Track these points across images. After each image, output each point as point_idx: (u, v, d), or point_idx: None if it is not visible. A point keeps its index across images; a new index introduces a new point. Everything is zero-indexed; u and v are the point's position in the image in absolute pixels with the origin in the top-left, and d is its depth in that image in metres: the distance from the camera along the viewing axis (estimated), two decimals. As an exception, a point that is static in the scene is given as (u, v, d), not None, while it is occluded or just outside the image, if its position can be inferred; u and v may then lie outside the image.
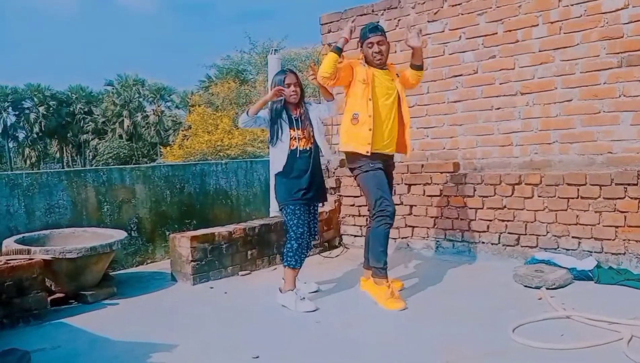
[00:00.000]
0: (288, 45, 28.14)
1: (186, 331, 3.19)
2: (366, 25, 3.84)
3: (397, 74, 3.80)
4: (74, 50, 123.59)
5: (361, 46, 3.74)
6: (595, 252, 4.10)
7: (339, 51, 3.56)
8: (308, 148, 3.73)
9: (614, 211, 4.01)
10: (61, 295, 3.87)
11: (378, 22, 5.13)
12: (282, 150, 3.69)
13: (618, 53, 4.03)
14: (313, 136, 3.74)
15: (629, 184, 3.94)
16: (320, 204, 4.06)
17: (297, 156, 3.67)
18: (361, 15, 5.36)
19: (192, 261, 4.26)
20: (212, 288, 4.19)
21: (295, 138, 3.69)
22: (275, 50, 5.53)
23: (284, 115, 3.71)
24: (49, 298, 3.66)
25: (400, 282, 3.89)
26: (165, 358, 2.78)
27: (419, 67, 3.79)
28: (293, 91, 3.67)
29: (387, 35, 5.13)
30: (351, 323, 3.23)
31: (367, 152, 3.59)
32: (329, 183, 5.57)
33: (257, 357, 2.74)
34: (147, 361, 2.75)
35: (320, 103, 4.00)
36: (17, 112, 54.68)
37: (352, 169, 3.78)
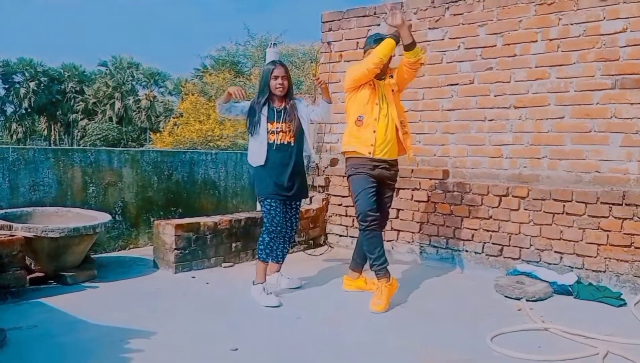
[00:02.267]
0: (286, 40, 28.10)
1: (165, 318, 3.18)
2: (372, 35, 3.86)
3: (390, 75, 3.80)
4: (69, 29, 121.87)
5: (364, 53, 3.76)
6: (576, 268, 4.16)
7: (397, 40, 3.49)
8: (286, 142, 3.67)
9: (598, 229, 4.06)
10: (41, 274, 3.83)
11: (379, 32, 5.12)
12: (260, 143, 3.66)
13: (612, 75, 4.08)
14: (296, 132, 3.70)
15: (613, 204, 3.99)
16: (307, 201, 4.10)
17: (275, 149, 3.64)
18: (363, 16, 5.37)
19: (175, 249, 4.23)
20: (194, 277, 4.17)
21: (273, 132, 3.65)
22: (274, 43, 5.51)
23: (265, 108, 3.68)
24: (28, 277, 3.62)
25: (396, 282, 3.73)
26: (142, 344, 2.76)
27: (409, 47, 3.53)
28: (280, 84, 3.65)
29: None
30: (331, 321, 3.24)
31: (370, 153, 3.61)
32: (318, 181, 5.58)
33: (236, 349, 2.73)
34: (124, 346, 2.73)
35: (313, 104, 3.95)
36: (6, 86, 53.82)
37: (346, 171, 3.80)
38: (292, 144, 3.70)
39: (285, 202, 3.71)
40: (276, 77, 3.65)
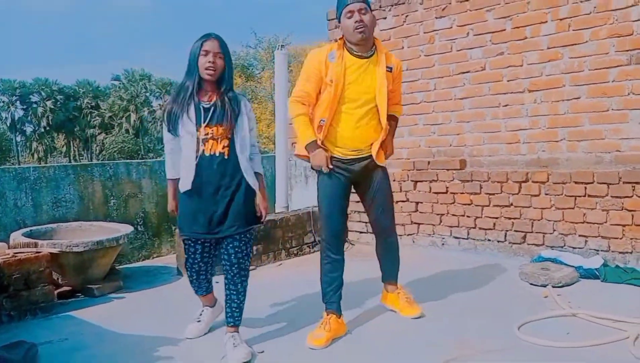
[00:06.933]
0: (294, 41, 28.16)
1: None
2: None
3: (389, 68, 2.99)
4: (75, 45, 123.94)
5: (339, 23, 2.98)
6: (602, 251, 4.08)
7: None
8: (218, 154, 2.67)
9: (622, 209, 3.99)
10: (68, 288, 3.89)
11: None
12: (185, 158, 2.70)
13: (627, 51, 4.00)
14: (232, 139, 2.70)
15: (637, 183, 3.91)
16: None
17: (203, 165, 2.66)
18: (368, 11, 5.34)
19: (198, 256, 4.26)
20: (217, 282, 4.17)
21: (200, 140, 2.65)
22: (282, 46, 5.52)
23: (191, 105, 2.67)
24: (56, 292, 3.69)
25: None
26: (171, 351, 2.80)
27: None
28: (210, 62, 2.64)
29: (394, 32, 5.18)
30: (357, 319, 3.23)
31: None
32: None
33: (262, 352, 2.75)
34: (153, 354, 2.76)
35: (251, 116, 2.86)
36: (24, 106, 55.06)
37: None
38: (226, 157, 2.68)
39: (214, 241, 2.82)
40: (206, 53, 2.65)
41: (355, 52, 2.92)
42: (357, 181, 3.12)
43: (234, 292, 2.79)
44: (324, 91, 2.91)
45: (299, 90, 2.95)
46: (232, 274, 2.77)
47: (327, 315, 2.97)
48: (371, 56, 2.96)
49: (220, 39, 2.71)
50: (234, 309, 2.80)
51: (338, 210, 3.03)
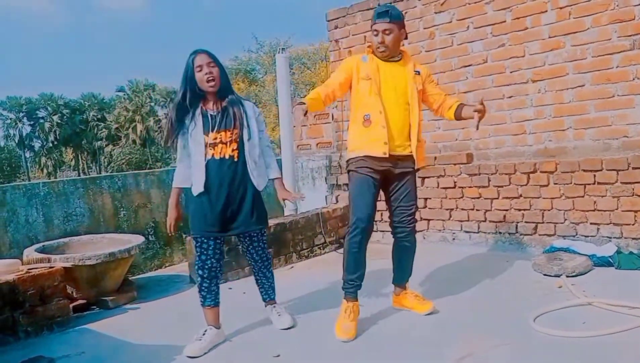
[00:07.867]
0: (295, 42, 28.19)
1: (207, 332, 3.21)
2: (377, 8, 3.23)
3: (417, 71, 3.16)
4: (79, 58, 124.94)
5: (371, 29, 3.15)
6: (614, 238, 4.05)
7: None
8: (228, 157, 2.84)
9: (632, 195, 3.96)
10: (83, 301, 3.92)
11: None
12: (196, 161, 2.84)
13: (630, 36, 3.97)
14: (240, 142, 2.87)
15: (646, 168, 3.88)
16: (334, 201, 3.64)
17: (214, 168, 2.83)
18: (367, 9, 5.34)
19: (209, 263, 4.27)
20: (230, 289, 4.21)
21: (208, 144, 2.82)
22: (282, 49, 5.53)
23: (198, 111, 2.85)
24: (71, 305, 3.71)
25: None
26: (187, 360, 2.81)
27: (456, 116, 3.20)
28: (208, 73, 2.78)
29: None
30: (370, 317, 3.23)
31: (385, 154, 2.98)
32: (342, 179, 5.57)
33: (278, 356, 2.75)
34: (170, 363, 2.78)
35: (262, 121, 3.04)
36: (32, 122, 55.58)
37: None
38: (236, 159, 2.86)
39: (220, 240, 2.95)
40: (200, 68, 2.79)
41: (382, 58, 3.11)
42: (388, 179, 3.14)
43: (264, 278, 3.20)
44: (357, 84, 3.07)
45: (325, 82, 3.14)
46: (259, 266, 3.16)
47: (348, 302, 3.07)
48: (398, 60, 3.14)
49: (207, 50, 2.85)
50: (267, 288, 3.22)
51: (369, 201, 3.05)
